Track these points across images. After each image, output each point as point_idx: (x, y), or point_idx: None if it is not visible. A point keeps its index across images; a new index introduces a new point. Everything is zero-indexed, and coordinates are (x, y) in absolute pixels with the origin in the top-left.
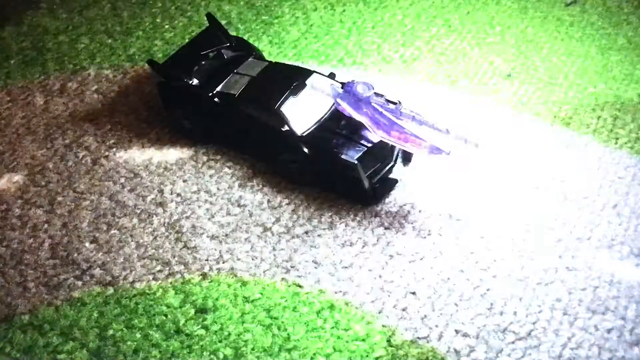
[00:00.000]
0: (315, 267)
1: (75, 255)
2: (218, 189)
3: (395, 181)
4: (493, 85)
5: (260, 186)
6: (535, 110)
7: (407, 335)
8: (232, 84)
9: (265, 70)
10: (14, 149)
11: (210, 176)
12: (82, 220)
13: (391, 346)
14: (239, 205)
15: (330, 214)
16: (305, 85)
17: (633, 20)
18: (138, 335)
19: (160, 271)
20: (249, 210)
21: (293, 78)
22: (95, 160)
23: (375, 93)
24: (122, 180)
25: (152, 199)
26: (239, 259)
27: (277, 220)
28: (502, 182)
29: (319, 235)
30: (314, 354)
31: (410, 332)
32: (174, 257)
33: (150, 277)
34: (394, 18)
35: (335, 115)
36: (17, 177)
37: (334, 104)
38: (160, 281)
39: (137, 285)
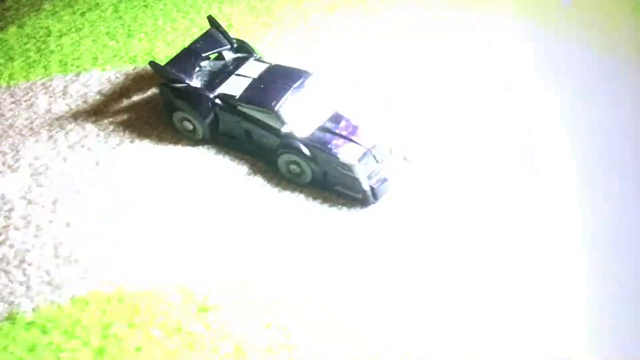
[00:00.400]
0: (317, 267)
1: (78, 254)
2: (219, 189)
3: (393, 181)
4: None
5: (261, 186)
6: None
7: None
8: (233, 86)
9: (266, 72)
10: (18, 149)
11: (211, 176)
12: (84, 220)
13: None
14: (240, 205)
15: (330, 213)
16: (304, 86)
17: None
18: (140, 334)
19: (162, 270)
20: (250, 210)
21: (293, 79)
22: (97, 160)
23: (375, 94)
24: (124, 180)
25: (155, 198)
26: (240, 259)
27: (278, 220)
28: (500, 183)
29: (319, 235)
30: (314, 354)
31: (410, 331)
32: (176, 256)
33: (153, 275)
34: (393, 19)
35: (335, 116)
36: (21, 177)
37: (333, 105)
38: (162, 280)
39: (141, 284)
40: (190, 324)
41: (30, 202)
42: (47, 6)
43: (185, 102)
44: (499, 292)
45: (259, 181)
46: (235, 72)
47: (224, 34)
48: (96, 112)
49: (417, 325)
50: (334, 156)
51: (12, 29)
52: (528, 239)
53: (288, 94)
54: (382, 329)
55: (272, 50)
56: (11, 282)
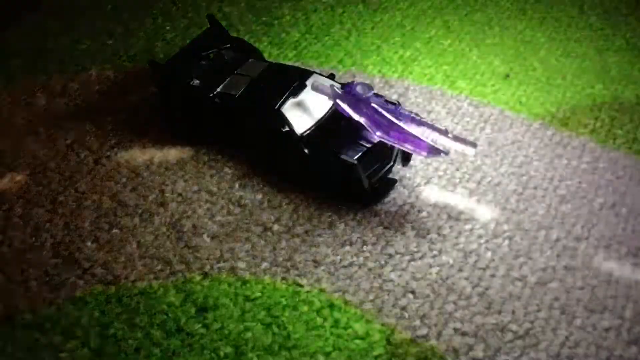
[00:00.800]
0: (315, 267)
1: (77, 254)
2: (218, 188)
3: (394, 181)
4: (492, 86)
5: (261, 186)
6: (533, 110)
7: (406, 334)
8: (233, 85)
9: (266, 71)
10: (16, 149)
11: (211, 176)
12: (83, 220)
13: (390, 344)
14: (239, 205)
15: (330, 213)
16: (305, 85)
17: (631, 21)
18: (139, 334)
19: (161, 270)
20: (249, 210)
21: (293, 79)
22: (97, 160)
23: (374, 94)
24: (124, 180)
25: (153, 198)
26: (239, 258)
27: (278, 219)
28: (501, 182)
29: (318, 235)
30: (314, 353)
31: (409, 330)
32: (175, 256)
33: (152, 276)
34: (393, 19)
35: (335, 115)
36: (19, 177)
37: (333, 104)
38: (161, 280)
39: (139, 284)
40: (189, 324)
41: (28, 202)
42: (45, 5)
43: (184, 101)
44: (497, 291)
45: (258, 181)
46: (235, 71)
47: (224, 32)
48: (95, 111)
49: (417, 324)
50: (335, 155)
51: (11, 28)
52: (527, 238)
53: (288, 94)
54: (382, 329)
55: (271, 49)
56: (10, 282)
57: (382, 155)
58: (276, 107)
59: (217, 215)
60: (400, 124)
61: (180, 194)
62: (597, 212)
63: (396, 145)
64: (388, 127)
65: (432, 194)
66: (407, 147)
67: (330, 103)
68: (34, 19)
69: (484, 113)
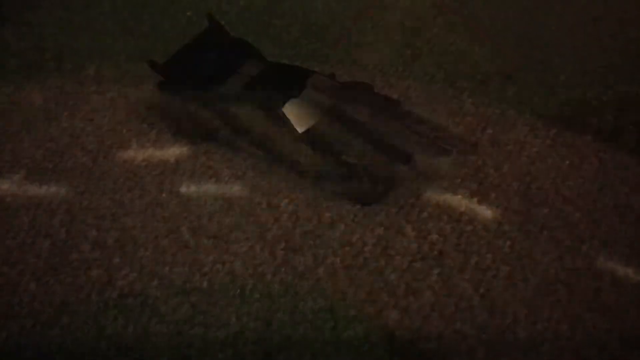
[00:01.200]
0: (315, 267)
1: (75, 255)
2: (217, 189)
3: (395, 181)
4: (494, 86)
5: (260, 186)
6: (536, 110)
7: (407, 336)
8: (233, 84)
9: (266, 70)
10: (14, 148)
11: (210, 176)
12: (81, 220)
13: (391, 346)
14: (238, 206)
15: (330, 214)
16: (305, 85)
17: (637, 21)
18: (137, 335)
19: (159, 271)
20: (248, 211)
21: (293, 78)
22: (95, 159)
23: (375, 93)
24: (122, 179)
25: (152, 198)
26: (238, 259)
27: (277, 220)
28: (503, 183)
29: (319, 235)
30: (314, 354)
31: (410, 332)
32: (174, 257)
33: (150, 277)
34: (394, 18)
35: (335, 115)
36: (17, 177)
37: (333, 103)
38: (159, 281)
39: (136, 285)
40: (188, 324)
41: (26, 202)
42: (44, 4)
43: (184, 100)
44: (499, 292)
45: (258, 181)
46: (235, 71)
47: (224, 31)
48: (93, 110)
49: (418, 326)
50: (336, 155)
51: (9, 27)
52: (529, 239)
53: (288, 93)
54: (382, 330)
55: (271, 48)
56: (8, 282)
57: (383, 155)
58: (276, 107)
59: (215, 216)
60: (402, 124)
61: (178, 194)
62: (600, 213)
63: (397, 146)
64: (389, 127)
65: (433, 194)
66: (409, 147)
67: (330, 102)
68: (32, 17)
69: (486, 113)
